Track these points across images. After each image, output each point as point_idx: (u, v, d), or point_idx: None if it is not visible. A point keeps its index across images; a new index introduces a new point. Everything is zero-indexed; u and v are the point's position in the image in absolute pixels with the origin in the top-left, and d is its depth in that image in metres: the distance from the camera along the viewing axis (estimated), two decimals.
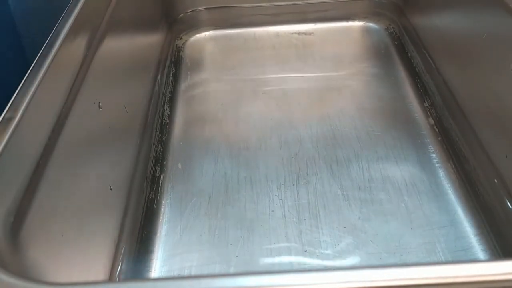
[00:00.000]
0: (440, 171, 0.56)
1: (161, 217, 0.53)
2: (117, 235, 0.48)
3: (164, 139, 0.63)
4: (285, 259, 0.48)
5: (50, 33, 0.46)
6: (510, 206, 0.48)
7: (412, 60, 0.74)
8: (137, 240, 0.50)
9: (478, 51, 0.55)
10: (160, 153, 0.61)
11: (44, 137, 0.38)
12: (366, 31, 0.83)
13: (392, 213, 0.52)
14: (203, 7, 0.86)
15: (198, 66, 0.78)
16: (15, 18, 0.47)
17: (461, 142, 0.57)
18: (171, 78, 0.75)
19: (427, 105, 0.66)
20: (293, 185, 0.55)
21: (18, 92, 0.39)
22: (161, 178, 0.58)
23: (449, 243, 0.48)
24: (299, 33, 0.83)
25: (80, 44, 0.48)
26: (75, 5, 0.51)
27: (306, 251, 0.48)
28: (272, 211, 0.52)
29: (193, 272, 0.47)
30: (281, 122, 0.65)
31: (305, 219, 0.51)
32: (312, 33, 0.83)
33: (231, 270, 0.47)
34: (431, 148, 0.60)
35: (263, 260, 0.48)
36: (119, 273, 0.46)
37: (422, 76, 0.70)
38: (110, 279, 0.44)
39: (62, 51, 0.44)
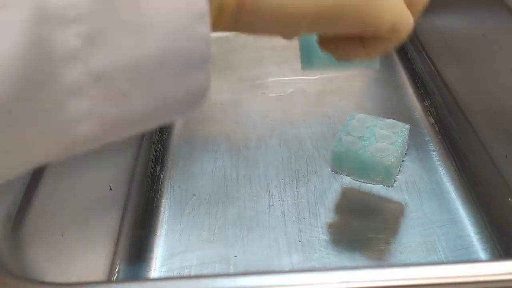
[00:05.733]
0: (440, 169, 0.56)
1: (161, 216, 0.53)
2: (117, 234, 0.48)
3: (164, 138, 0.63)
4: (285, 258, 0.48)
5: None
6: (510, 205, 0.48)
7: (412, 61, 0.74)
8: (136, 239, 0.50)
9: (478, 51, 0.55)
10: (160, 152, 0.61)
11: None
12: None
13: (392, 212, 0.51)
14: None
15: None
16: None
17: (462, 141, 0.57)
18: None
19: (427, 104, 0.66)
20: (293, 183, 0.55)
21: None
22: (161, 177, 0.58)
23: (449, 242, 0.48)
24: None
25: None
26: None
27: (305, 250, 0.48)
28: (272, 210, 0.52)
29: (192, 272, 0.47)
30: (281, 122, 0.65)
31: (304, 218, 0.51)
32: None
33: (231, 270, 0.46)
34: (432, 146, 0.60)
35: (263, 260, 0.48)
36: (118, 272, 0.46)
37: (422, 77, 0.70)
38: (110, 279, 0.44)
39: None
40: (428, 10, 0.74)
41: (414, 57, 0.74)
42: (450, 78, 0.63)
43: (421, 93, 0.68)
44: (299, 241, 0.49)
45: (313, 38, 0.43)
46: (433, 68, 0.67)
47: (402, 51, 0.77)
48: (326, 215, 0.52)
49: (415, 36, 0.75)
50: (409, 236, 0.49)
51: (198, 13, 0.20)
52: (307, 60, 0.45)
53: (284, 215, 0.52)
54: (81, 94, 0.19)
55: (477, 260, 0.46)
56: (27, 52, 0.17)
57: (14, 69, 0.17)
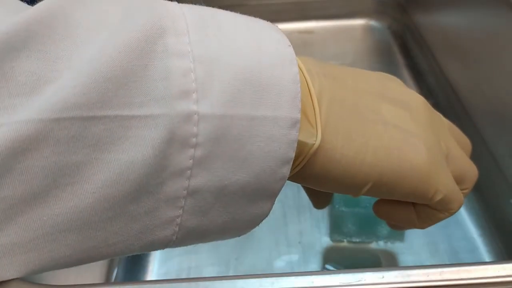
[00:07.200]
0: None
1: None
2: None
3: None
4: (285, 260, 0.47)
5: None
6: None
7: (415, 59, 0.74)
8: None
9: (482, 49, 0.55)
10: None
11: None
12: (368, 29, 0.83)
13: None
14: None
15: None
16: None
17: None
18: None
19: (430, 103, 0.66)
20: (294, 184, 0.55)
21: None
22: None
23: (452, 243, 0.48)
24: (299, 32, 0.82)
25: None
26: None
27: (306, 252, 0.48)
28: (272, 211, 0.52)
29: (191, 275, 0.46)
30: None
31: (305, 220, 0.51)
32: (313, 31, 0.82)
33: (230, 272, 0.46)
34: None
35: (263, 262, 0.47)
36: (116, 275, 0.45)
37: (425, 75, 0.70)
38: (107, 281, 0.44)
39: None
40: (432, 8, 0.73)
41: (417, 56, 0.73)
42: (453, 77, 0.63)
43: (424, 93, 0.68)
44: (300, 243, 0.48)
45: (344, 213, 0.45)
46: (436, 67, 0.67)
47: (404, 50, 0.77)
48: (327, 216, 0.51)
49: (418, 35, 0.74)
50: (412, 238, 0.48)
51: (286, 159, 0.23)
52: (336, 231, 0.47)
53: (285, 217, 0.51)
54: (175, 204, 0.22)
55: (481, 262, 0.46)
56: (152, 164, 0.20)
57: (138, 175, 0.20)
